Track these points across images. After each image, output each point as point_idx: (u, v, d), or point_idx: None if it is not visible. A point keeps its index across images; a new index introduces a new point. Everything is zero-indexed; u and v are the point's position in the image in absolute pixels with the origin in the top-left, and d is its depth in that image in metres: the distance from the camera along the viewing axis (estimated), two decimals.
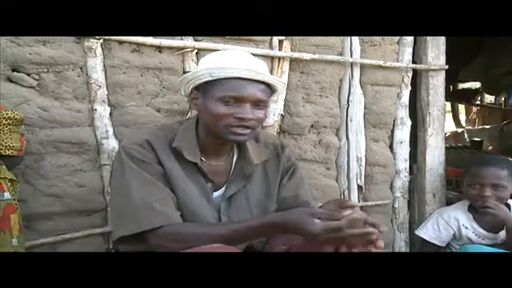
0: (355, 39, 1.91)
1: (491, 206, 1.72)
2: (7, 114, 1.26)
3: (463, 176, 1.94)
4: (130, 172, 1.11)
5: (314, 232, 0.99)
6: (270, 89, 1.17)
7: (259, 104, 1.13)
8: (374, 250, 1.01)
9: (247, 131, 1.13)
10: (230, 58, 1.13)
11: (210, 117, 1.13)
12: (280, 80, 1.21)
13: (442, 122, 2.13)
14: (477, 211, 1.84)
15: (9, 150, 1.26)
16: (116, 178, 1.16)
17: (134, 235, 1.08)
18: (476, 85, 5.51)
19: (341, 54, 1.88)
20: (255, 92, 1.11)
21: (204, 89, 1.13)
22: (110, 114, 1.53)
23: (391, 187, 2.09)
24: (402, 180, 2.09)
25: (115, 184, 1.17)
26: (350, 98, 1.93)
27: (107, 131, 1.52)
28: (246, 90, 1.10)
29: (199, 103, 1.15)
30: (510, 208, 1.83)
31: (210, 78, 1.10)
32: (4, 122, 1.25)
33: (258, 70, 1.13)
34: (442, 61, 2.07)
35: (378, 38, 1.95)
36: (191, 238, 1.06)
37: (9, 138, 1.26)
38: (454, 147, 4.23)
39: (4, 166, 1.26)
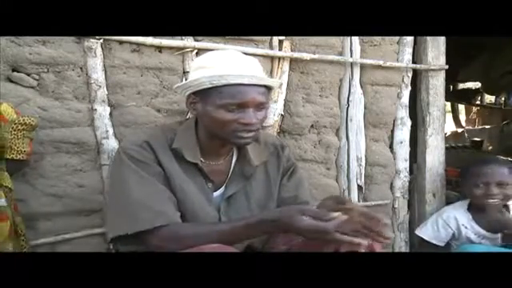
0: (355, 39, 1.91)
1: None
2: (24, 120, 1.28)
3: (462, 177, 1.95)
4: (129, 172, 1.11)
5: (299, 228, 1.00)
6: (268, 88, 1.17)
7: (261, 107, 1.14)
8: (381, 241, 1.02)
9: (252, 134, 1.14)
10: (227, 63, 1.11)
11: (213, 123, 1.12)
12: (277, 80, 1.21)
13: (442, 122, 2.13)
14: (476, 211, 1.85)
15: (20, 154, 1.29)
16: (115, 178, 1.16)
17: (132, 235, 1.07)
18: (476, 85, 5.51)
19: (341, 54, 1.88)
20: (256, 96, 1.11)
21: (203, 95, 1.12)
22: (110, 114, 1.53)
23: (391, 187, 2.09)
24: (402, 180, 2.09)
25: (114, 184, 1.17)
26: (350, 98, 1.93)
27: (107, 131, 1.52)
28: (247, 95, 1.09)
29: (199, 108, 1.15)
30: (509, 209, 1.84)
31: (209, 86, 1.09)
32: (19, 127, 1.27)
33: (256, 73, 1.13)
34: (441, 61, 2.07)
35: (378, 38, 1.95)
36: (189, 237, 1.06)
37: (21, 143, 1.29)
38: (454, 147, 4.23)
39: (6, 173, 1.27)
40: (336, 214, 1.00)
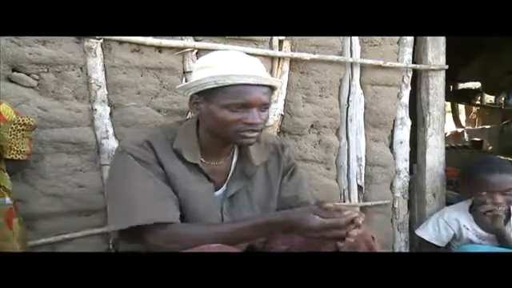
0: (355, 39, 1.91)
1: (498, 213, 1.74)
2: (23, 120, 1.29)
3: (466, 183, 1.92)
4: (131, 170, 1.11)
5: (313, 227, 1.01)
6: (271, 89, 1.17)
7: (264, 107, 1.14)
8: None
9: (256, 134, 1.14)
10: (232, 63, 1.11)
11: (217, 123, 1.12)
12: (280, 80, 1.21)
13: (442, 122, 2.13)
14: (478, 212, 1.84)
15: (19, 154, 1.29)
16: (115, 176, 1.16)
17: (132, 234, 1.07)
18: (476, 85, 5.51)
19: (341, 54, 1.88)
20: (260, 96, 1.11)
21: (207, 95, 1.12)
22: (110, 114, 1.53)
23: (391, 187, 2.09)
24: (402, 180, 2.09)
25: (114, 182, 1.16)
26: (350, 98, 1.93)
27: (107, 131, 1.52)
28: (251, 95, 1.10)
29: (202, 108, 1.15)
30: (511, 214, 1.83)
31: (214, 86, 1.09)
32: (19, 127, 1.28)
33: (260, 73, 1.13)
34: (441, 61, 2.07)
35: (378, 38, 1.95)
36: (192, 238, 1.06)
37: (21, 143, 1.29)
38: (454, 147, 4.23)
39: (6, 174, 1.27)
40: (347, 212, 1.02)
